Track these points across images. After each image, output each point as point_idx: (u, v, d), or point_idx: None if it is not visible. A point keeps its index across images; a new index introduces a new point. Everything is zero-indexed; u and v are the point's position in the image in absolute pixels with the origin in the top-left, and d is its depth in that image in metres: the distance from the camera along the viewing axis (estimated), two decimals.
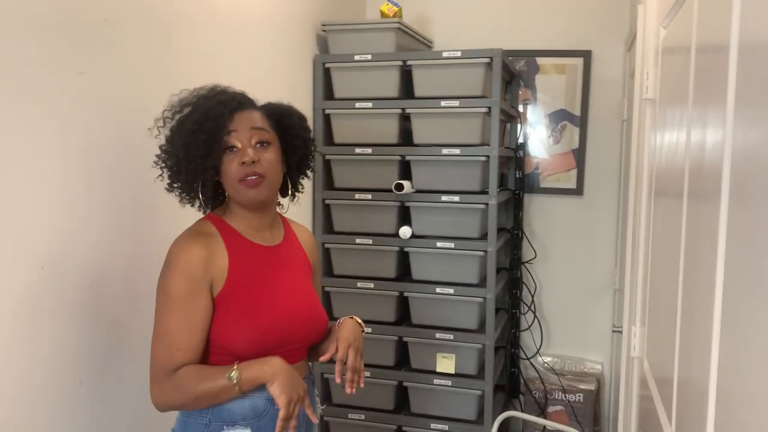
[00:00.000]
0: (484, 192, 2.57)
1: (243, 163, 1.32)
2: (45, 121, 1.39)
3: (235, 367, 1.26)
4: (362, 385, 1.41)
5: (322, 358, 1.41)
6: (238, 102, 1.38)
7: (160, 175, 1.38)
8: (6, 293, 1.31)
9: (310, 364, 1.53)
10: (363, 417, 2.71)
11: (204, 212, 1.44)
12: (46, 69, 1.38)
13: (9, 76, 1.30)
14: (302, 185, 1.55)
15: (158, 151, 1.38)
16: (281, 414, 1.24)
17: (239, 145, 1.34)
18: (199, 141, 1.30)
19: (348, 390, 1.39)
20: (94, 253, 1.53)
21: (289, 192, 1.52)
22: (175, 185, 1.37)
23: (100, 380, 1.57)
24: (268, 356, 1.30)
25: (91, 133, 1.52)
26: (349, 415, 2.73)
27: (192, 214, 1.45)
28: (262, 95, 1.52)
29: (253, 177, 1.33)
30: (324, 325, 1.49)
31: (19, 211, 1.33)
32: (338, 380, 1.39)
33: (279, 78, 2.46)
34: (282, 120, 1.44)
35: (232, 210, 1.41)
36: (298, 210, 2.60)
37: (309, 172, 1.54)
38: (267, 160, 1.35)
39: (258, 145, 1.36)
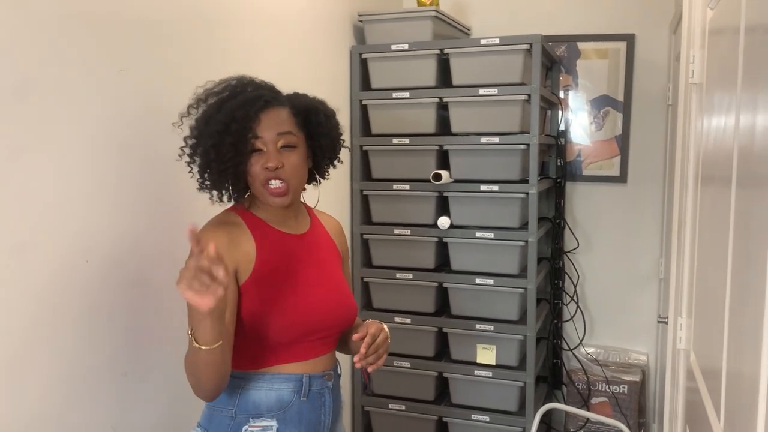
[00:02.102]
0: (524, 181, 2.53)
1: (267, 168, 1.33)
2: (86, 118, 1.42)
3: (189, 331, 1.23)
4: (371, 369, 1.36)
5: (356, 336, 1.35)
6: (265, 100, 1.35)
7: (190, 171, 1.39)
8: (53, 288, 1.35)
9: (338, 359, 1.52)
10: (403, 407, 2.72)
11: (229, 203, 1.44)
12: (86, 67, 1.41)
13: (50, 74, 1.33)
14: (328, 173, 1.54)
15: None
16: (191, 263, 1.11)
17: (265, 149, 1.34)
18: (227, 143, 1.30)
19: (359, 362, 1.32)
20: (138, 246, 1.57)
21: (315, 180, 1.52)
22: (206, 183, 1.37)
23: (144, 371, 1.61)
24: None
25: (131, 129, 1.54)
26: (390, 406, 2.74)
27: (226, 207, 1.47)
28: (298, 88, 1.52)
29: (277, 184, 1.34)
30: (354, 312, 1.48)
31: (63, 206, 1.37)
32: (363, 350, 1.34)
33: (316, 70, 2.46)
34: (309, 118, 1.42)
35: (257, 202, 1.42)
36: (336, 201, 2.61)
37: (336, 163, 1.52)
38: (291, 164, 1.35)
39: (283, 148, 1.36)
